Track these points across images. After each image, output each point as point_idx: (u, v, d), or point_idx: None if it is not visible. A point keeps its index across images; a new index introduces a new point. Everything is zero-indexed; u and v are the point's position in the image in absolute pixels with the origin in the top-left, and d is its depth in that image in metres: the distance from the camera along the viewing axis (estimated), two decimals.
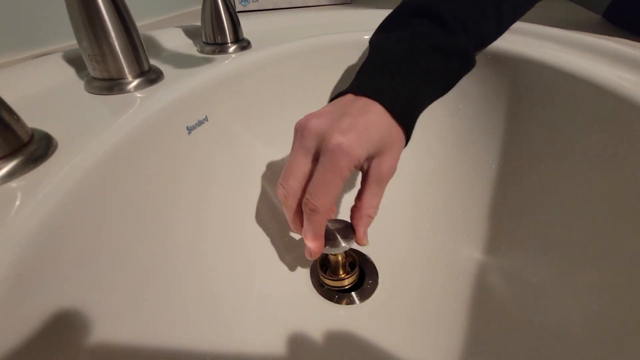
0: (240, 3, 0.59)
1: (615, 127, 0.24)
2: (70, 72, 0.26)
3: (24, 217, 0.14)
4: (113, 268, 0.18)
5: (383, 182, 0.21)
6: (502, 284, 0.28)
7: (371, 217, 0.23)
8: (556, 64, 0.28)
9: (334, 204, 0.21)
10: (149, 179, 0.22)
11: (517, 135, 0.32)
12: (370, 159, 0.21)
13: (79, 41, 0.22)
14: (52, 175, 0.16)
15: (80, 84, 0.25)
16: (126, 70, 0.24)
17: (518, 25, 0.35)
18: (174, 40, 0.34)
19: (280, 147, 0.34)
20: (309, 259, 0.23)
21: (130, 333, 0.17)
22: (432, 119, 0.35)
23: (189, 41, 0.35)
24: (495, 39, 0.31)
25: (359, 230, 0.23)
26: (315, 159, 0.20)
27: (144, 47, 0.25)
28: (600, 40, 0.29)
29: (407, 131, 0.22)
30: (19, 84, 0.23)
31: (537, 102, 0.30)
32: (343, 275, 0.28)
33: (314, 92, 0.36)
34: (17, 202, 0.14)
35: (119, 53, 0.23)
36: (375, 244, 0.26)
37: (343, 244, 0.23)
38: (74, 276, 0.15)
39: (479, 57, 0.33)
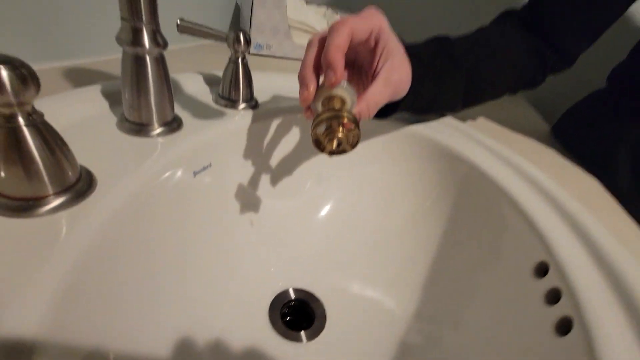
0: (254, 48, 0.65)
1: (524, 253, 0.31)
2: (105, 106, 0.31)
3: (69, 246, 0.18)
4: (133, 294, 0.22)
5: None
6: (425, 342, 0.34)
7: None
8: (495, 180, 0.36)
9: None
10: (163, 212, 0.26)
11: (455, 222, 0.39)
12: None
13: (123, 90, 0.27)
14: (91, 212, 0.20)
15: (113, 118, 0.30)
16: (155, 119, 0.29)
17: (477, 134, 0.43)
18: (194, 85, 0.40)
19: (269, 196, 0.40)
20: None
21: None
22: (399, 190, 0.42)
23: (206, 88, 0.41)
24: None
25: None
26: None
27: (173, 101, 0.30)
28: (543, 179, 0.36)
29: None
30: (63, 113, 0.27)
31: (475, 203, 0.38)
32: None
33: (303, 153, 0.42)
34: (61, 233, 0.19)
35: (153, 107, 0.28)
36: (326, 285, 0.32)
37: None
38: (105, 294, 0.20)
39: (440, 152, 0.41)
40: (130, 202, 0.23)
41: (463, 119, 0.54)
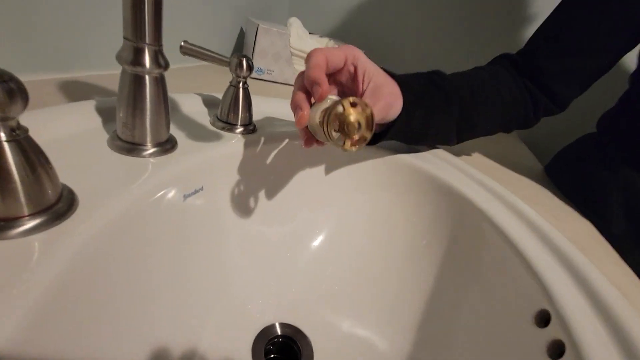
0: (256, 72, 0.66)
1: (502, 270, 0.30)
2: (98, 122, 0.30)
3: (40, 272, 0.17)
4: (111, 318, 0.20)
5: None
6: None
7: None
8: (491, 217, 0.35)
9: None
10: (147, 239, 0.25)
11: (451, 259, 0.38)
12: None
13: (118, 108, 0.26)
14: (67, 236, 0.19)
15: (105, 136, 0.29)
16: (148, 139, 0.28)
17: (474, 171, 0.43)
18: (192, 106, 0.39)
19: (260, 223, 0.39)
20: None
21: None
22: (393, 224, 0.41)
23: (204, 109, 0.40)
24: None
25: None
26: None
27: (169, 122, 0.29)
28: (541, 221, 0.36)
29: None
30: (53, 127, 0.26)
31: (470, 242, 0.37)
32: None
33: (298, 180, 0.41)
34: (33, 258, 0.17)
35: (148, 127, 0.27)
36: (315, 321, 0.30)
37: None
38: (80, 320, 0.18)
39: (436, 187, 0.40)
40: (113, 225, 0.21)
41: (457, 153, 0.54)
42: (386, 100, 0.32)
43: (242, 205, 0.37)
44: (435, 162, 0.43)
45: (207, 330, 0.31)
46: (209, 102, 0.42)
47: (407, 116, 0.36)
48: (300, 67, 0.69)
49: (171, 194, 0.28)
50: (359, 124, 0.23)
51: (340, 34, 0.93)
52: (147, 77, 0.26)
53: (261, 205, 0.38)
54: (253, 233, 0.38)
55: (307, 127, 0.29)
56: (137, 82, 0.25)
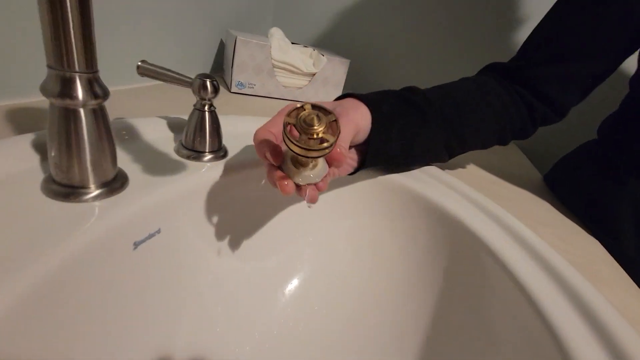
0: (236, 86, 0.63)
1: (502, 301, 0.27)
2: (33, 161, 0.26)
3: None
4: None
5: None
6: None
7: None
8: (488, 244, 0.32)
9: None
10: (94, 295, 0.21)
11: (447, 290, 0.34)
12: None
13: (49, 148, 0.22)
14: None
15: (40, 177, 0.25)
16: (90, 180, 0.24)
17: (468, 190, 0.39)
18: (155, 132, 0.35)
19: (235, 258, 0.35)
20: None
21: None
22: (387, 253, 0.38)
23: (169, 134, 0.36)
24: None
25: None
26: None
27: (116, 157, 0.25)
28: (545, 248, 0.32)
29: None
30: None
31: (468, 273, 0.33)
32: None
33: (278, 207, 0.37)
34: None
35: (88, 167, 0.23)
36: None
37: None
38: None
39: (431, 213, 0.37)
40: (39, 289, 0.17)
41: (452, 166, 0.50)
42: (349, 116, 0.30)
43: (209, 245, 0.33)
44: (427, 181, 0.40)
45: None
46: (176, 126, 0.38)
47: (382, 136, 0.33)
48: (283, 79, 0.65)
49: (117, 244, 0.24)
50: (318, 117, 0.21)
51: (326, 43, 0.90)
52: (81, 110, 0.22)
53: (232, 244, 0.34)
54: (223, 277, 0.34)
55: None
56: (68, 117, 0.22)
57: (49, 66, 0.20)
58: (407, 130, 0.35)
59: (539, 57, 0.44)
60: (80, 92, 0.21)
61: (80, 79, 0.21)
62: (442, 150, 0.40)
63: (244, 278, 0.35)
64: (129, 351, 0.25)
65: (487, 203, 0.37)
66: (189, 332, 0.30)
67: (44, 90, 0.21)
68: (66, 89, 0.21)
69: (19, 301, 0.17)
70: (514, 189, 0.49)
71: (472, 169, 0.52)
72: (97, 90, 0.22)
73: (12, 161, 0.25)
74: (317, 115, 0.21)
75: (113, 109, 0.39)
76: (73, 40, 0.20)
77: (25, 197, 0.23)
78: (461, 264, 0.34)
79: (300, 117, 0.21)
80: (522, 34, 0.77)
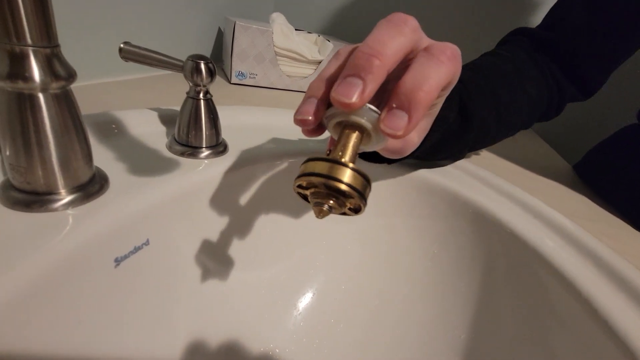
0: (236, 77, 0.58)
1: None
2: None
3: None
4: None
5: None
6: None
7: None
8: (530, 241, 0.27)
9: None
10: (56, 329, 0.16)
11: (485, 292, 0.30)
12: None
13: (2, 146, 0.18)
14: None
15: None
16: (59, 184, 0.19)
17: (501, 183, 0.35)
18: (145, 125, 0.31)
19: (237, 267, 0.30)
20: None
21: None
22: (409, 259, 0.33)
23: (161, 129, 0.32)
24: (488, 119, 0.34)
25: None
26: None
27: (91, 154, 0.21)
28: (581, 233, 0.29)
29: None
30: None
31: (505, 271, 0.28)
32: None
33: (283, 209, 0.33)
34: None
35: (54, 167, 0.19)
36: None
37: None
38: None
39: (459, 209, 0.32)
40: None
41: (477, 162, 0.45)
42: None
43: (208, 255, 0.28)
44: (454, 173, 0.35)
45: None
46: (169, 119, 0.33)
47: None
48: (287, 68, 0.60)
49: (94, 261, 0.19)
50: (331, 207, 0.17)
51: (331, 28, 0.85)
52: (40, 96, 0.17)
53: (236, 251, 0.30)
54: (225, 291, 0.29)
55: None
56: (24, 104, 0.17)
57: None
58: (444, 139, 0.30)
59: (576, 31, 0.39)
60: (35, 72, 0.16)
61: (35, 55, 0.16)
62: (463, 155, 0.37)
63: (250, 292, 0.30)
64: None
65: (525, 197, 0.32)
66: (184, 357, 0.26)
67: None
68: (17, 67, 0.16)
69: None
70: (541, 180, 0.44)
71: (490, 158, 0.47)
72: (58, 69, 0.17)
73: None
74: (330, 206, 0.16)
75: (97, 103, 0.35)
76: (20, 1, 0.15)
77: None
78: (504, 270, 0.29)
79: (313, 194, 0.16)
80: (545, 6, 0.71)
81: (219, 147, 0.30)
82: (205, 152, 0.29)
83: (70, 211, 0.20)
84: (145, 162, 0.26)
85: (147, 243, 0.23)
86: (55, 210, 0.19)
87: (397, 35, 0.16)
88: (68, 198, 0.20)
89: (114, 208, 0.21)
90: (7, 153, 0.18)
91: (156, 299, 0.24)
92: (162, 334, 0.24)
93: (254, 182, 0.31)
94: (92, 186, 0.21)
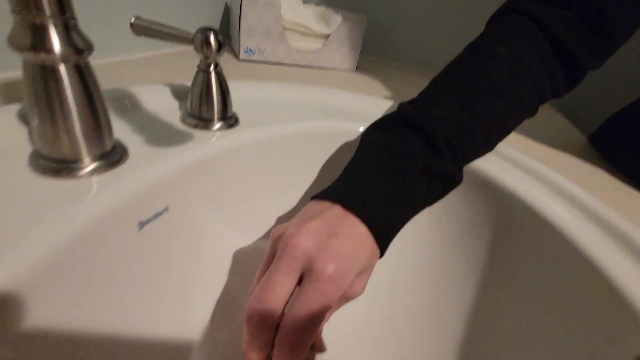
0: (244, 52, 0.58)
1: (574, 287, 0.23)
2: (20, 134, 0.23)
3: None
4: None
5: (350, 300, 0.21)
6: None
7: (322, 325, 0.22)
8: (539, 211, 0.27)
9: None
10: (86, 287, 0.18)
11: (495, 266, 0.30)
12: None
13: (31, 117, 0.19)
14: None
15: (24, 153, 0.22)
16: (83, 152, 0.21)
17: (511, 152, 0.35)
18: (158, 101, 0.32)
19: (250, 235, 0.32)
20: None
21: None
22: (414, 229, 0.34)
23: (174, 103, 0.33)
24: (483, 155, 0.30)
25: (317, 340, 0.23)
26: (298, 280, 0.19)
27: (110, 125, 0.22)
28: (589, 199, 0.29)
29: (382, 253, 0.22)
30: None
31: (516, 239, 0.29)
32: None
33: (294, 179, 0.34)
34: None
35: (78, 135, 0.20)
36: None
37: None
38: None
39: (469, 178, 0.32)
40: (30, 276, 0.15)
41: None
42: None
43: (224, 224, 0.30)
44: None
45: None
46: (182, 94, 0.34)
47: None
48: (295, 42, 0.60)
49: (119, 224, 0.21)
50: None
51: (339, 0, 0.82)
52: (61, 67, 0.18)
53: (250, 220, 0.31)
54: (241, 257, 0.31)
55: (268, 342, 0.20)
56: (47, 76, 0.18)
57: (13, 11, 0.16)
58: (416, 209, 0.24)
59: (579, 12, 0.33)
60: (56, 43, 0.17)
61: (55, 27, 0.17)
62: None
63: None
64: (136, 345, 0.23)
65: (536, 165, 0.32)
66: (204, 322, 0.28)
67: (12, 42, 0.17)
68: (38, 39, 0.17)
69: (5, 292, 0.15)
70: (555, 152, 0.43)
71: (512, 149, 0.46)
72: (77, 41, 0.18)
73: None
74: None
75: (111, 80, 0.36)
76: None
77: (11, 175, 0.20)
78: (513, 239, 0.29)
79: None
80: None
81: (230, 120, 0.31)
82: (217, 125, 0.30)
83: (95, 178, 0.21)
84: (160, 135, 0.27)
85: (166, 210, 0.24)
86: (81, 177, 0.21)
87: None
88: (92, 166, 0.21)
89: (134, 176, 0.22)
90: (35, 123, 0.19)
91: (176, 262, 0.26)
92: (184, 292, 0.26)
93: (267, 153, 0.32)
94: (113, 155, 0.22)
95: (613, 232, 0.25)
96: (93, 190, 0.20)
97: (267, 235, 0.33)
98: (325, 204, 0.21)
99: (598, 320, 0.22)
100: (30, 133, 0.23)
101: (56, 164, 0.20)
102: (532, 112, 0.32)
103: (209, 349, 0.27)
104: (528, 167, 0.32)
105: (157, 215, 0.23)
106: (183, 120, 0.30)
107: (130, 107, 0.30)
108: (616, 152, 0.45)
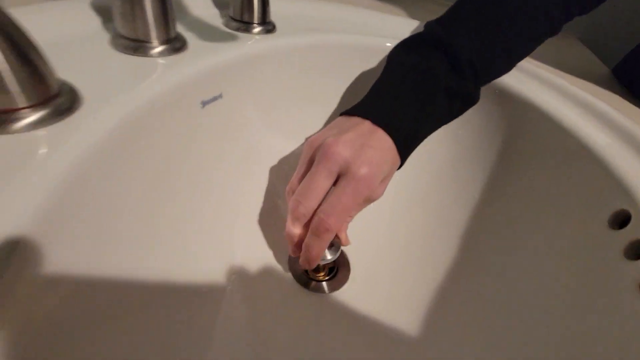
0: None
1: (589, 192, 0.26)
2: (96, 22, 0.26)
3: (48, 166, 0.15)
4: (118, 217, 0.19)
5: (371, 202, 0.24)
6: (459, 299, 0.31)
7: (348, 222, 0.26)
8: (556, 117, 0.30)
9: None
10: (161, 145, 0.23)
11: (504, 173, 0.34)
12: None
13: (114, 2, 0.22)
14: (75, 131, 0.17)
15: (105, 37, 0.25)
16: (153, 34, 0.24)
17: (531, 67, 0.36)
18: (202, 8, 0.34)
19: (285, 137, 0.36)
20: (306, 267, 0.25)
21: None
22: (430, 138, 0.37)
23: (215, 11, 0.35)
24: (503, 74, 0.32)
25: (342, 234, 0.27)
26: (334, 181, 0.22)
27: (174, 17, 0.25)
28: (604, 105, 0.31)
29: (402, 163, 0.25)
30: (45, 27, 0.23)
31: (529, 147, 0.32)
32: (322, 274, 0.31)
33: (324, 88, 0.37)
34: (42, 151, 0.16)
35: (150, 16, 0.23)
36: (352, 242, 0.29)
37: (329, 257, 0.26)
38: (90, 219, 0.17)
39: (486, 89, 0.35)
40: (122, 125, 0.19)
41: None
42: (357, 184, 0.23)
43: (269, 116, 0.34)
44: None
45: (239, 242, 0.31)
46: (221, 3, 0.36)
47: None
48: None
49: (187, 99, 0.25)
50: None
51: None
52: None
53: (287, 120, 0.35)
54: (278, 148, 0.35)
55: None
56: None
57: None
58: (436, 124, 0.27)
59: None
60: None
61: None
62: None
63: (294, 155, 0.36)
64: (195, 201, 0.28)
65: (552, 78, 0.34)
66: (255, 191, 0.33)
67: None
68: None
69: (101, 141, 0.19)
70: (579, 82, 0.44)
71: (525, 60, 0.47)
72: None
73: (77, 20, 0.25)
74: None
75: None
76: None
77: (95, 51, 0.24)
78: (522, 142, 0.32)
79: None
80: None
81: (268, 26, 0.33)
82: (257, 29, 0.32)
83: (162, 60, 0.25)
84: (210, 34, 0.30)
85: (220, 96, 0.28)
86: (152, 56, 0.24)
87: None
88: (160, 48, 0.25)
89: (195, 61, 0.26)
90: (118, 3, 0.22)
91: (222, 134, 0.30)
92: (228, 164, 0.31)
93: (298, 60, 0.34)
94: (176, 43, 0.26)
95: (621, 131, 0.28)
96: (163, 67, 0.24)
97: (293, 138, 0.37)
98: (356, 119, 0.24)
99: (598, 210, 0.25)
100: (103, 22, 0.27)
101: (133, 43, 0.24)
102: (556, 30, 0.32)
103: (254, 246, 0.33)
104: (541, 76, 0.34)
105: (215, 98, 0.27)
106: (226, 25, 0.33)
107: (179, 13, 0.32)
108: (637, 80, 0.46)
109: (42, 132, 0.16)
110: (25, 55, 0.15)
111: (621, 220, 0.22)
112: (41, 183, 0.14)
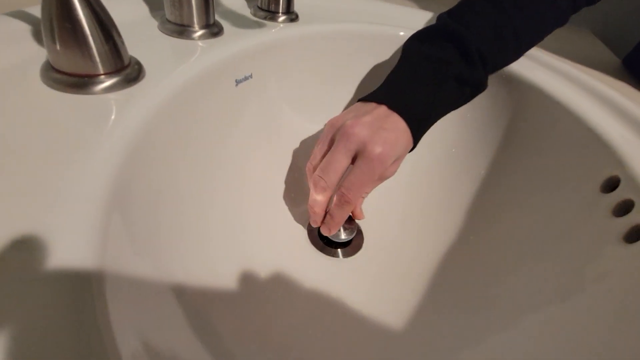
0: None
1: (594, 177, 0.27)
2: (145, 10, 0.30)
3: (122, 125, 0.19)
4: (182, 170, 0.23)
5: (384, 179, 0.27)
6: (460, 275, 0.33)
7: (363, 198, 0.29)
8: (564, 102, 0.32)
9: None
10: (204, 114, 0.27)
11: (508, 151, 0.36)
12: None
13: None
14: (141, 96, 0.20)
15: (154, 22, 0.29)
16: (196, 20, 0.28)
17: (538, 54, 0.39)
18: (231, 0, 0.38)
19: (304, 115, 0.39)
20: (326, 234, 0.29)
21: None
22: (441, 120, 0.40)
23: (243, 2, 0.39)
24: (510, 63, 0.34)
25: (357, 209, 0.30)
26: (352, 159, 0.25)
27: (214, 2, 0.29)
28: (613, 92, 0.33)
29: (414, 146, 0.28)
30: None
31: (533, 129, 0.34)
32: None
33: (342, 75, 0.40)
34: (115, 110, 0.19)
35: (194, 4, 0.27)
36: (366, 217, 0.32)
37: (344, 237, 0.32)
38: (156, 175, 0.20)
39: (493, 75, 0.37)
40: (178, 93, 0.23)
41: None
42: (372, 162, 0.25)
43: (292, 97, 0.37)
44: None
45: (267, 209, 0.34)
46: None
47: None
48: None
49: (224, 77, 0.28)
50: None
51: None
52: None
53: (311, 100, 0.38)
54: (302, 129, 0.38)
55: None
56: None
57: None
58: (446, 110, 0.29)
59: None
60: None
61: None
62: None
63: (316, 136, 0.39)
64: (237, 172, 0.31)
65: (559, 64, 0.37)
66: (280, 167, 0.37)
67: None
68: None
69: (161, 105, 0.22)
70: (589, 72, 0.45)
71: (533, 49, 0.48)
72: None
73: (128, 8, 0.29)
74: None
75: None
76: None
77: (147, 34, 0.27)
78: (525, 122, 0.35)
79: None
80: None
81: (292, 15, 0.37)
82: (282, 17, 0.36)
83: (201, 43, 0.28)
84: (240, 22, 0.34)
85: (251, 76, 0.31)
86: (193, 39, 0.28)
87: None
88: (200, 32, 0.28)
89: (230, 44, 0.29)
90: None
91: (252, 109, 0.33)
92: (262, 137, 0.35)
93: (319, 47, 0.38)
94: (214, 28, 0.29)
95: (619, 109, 0.30)
96: (199, 50, 0.27)
97: (315, 120, 0.40)
98: (372, 105, 0.27)
99: (591, 178, 0.27)
100: (150, 9, 0.30)
101: (179, 27, 0.28)
102: (564, 20, 0.34)
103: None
104: (544, 61, 0.37)
105: (246, 78, 0.31)
106: (254, 14, 0.36)
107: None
108: None
109: (115, 95, 0.20)
110: (109, 32, 0.19)
111: (612, 186, 0.24)
112: (114, 137, 0.18)
